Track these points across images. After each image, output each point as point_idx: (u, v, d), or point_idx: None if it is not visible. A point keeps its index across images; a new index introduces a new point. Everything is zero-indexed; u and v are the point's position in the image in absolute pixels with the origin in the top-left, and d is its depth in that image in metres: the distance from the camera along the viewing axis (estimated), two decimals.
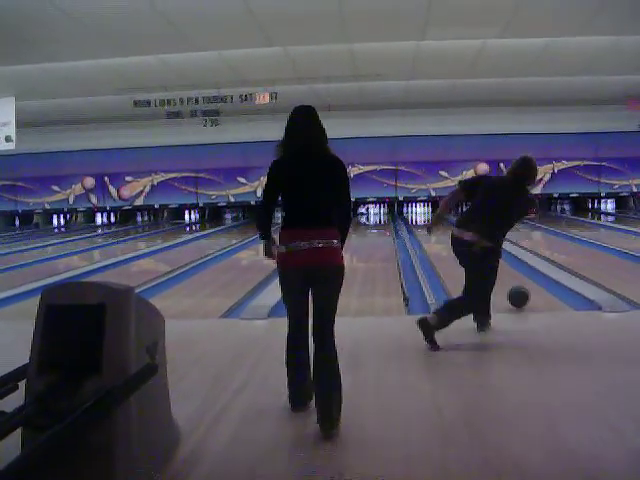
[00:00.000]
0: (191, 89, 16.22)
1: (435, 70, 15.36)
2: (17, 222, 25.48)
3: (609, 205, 24.20)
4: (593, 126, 21.33)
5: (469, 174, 22.80)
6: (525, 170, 6.06)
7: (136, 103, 16.54)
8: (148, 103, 16.52)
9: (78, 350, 2.98)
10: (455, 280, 9.86)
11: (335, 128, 19.64)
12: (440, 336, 5.78)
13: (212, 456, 3.56)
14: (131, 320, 3.07)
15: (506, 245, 12.46)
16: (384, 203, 24.16)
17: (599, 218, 22.37)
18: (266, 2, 10.26)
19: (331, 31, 11.76)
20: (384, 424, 4.00)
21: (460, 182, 6.48)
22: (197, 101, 16.87)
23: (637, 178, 22.72)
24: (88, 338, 2.98)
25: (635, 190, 22.96)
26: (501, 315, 6.88)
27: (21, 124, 16.66)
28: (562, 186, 22.91)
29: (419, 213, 24.17)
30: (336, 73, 15.19)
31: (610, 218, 22.10)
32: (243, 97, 16.59)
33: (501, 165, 22.55)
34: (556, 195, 22.82)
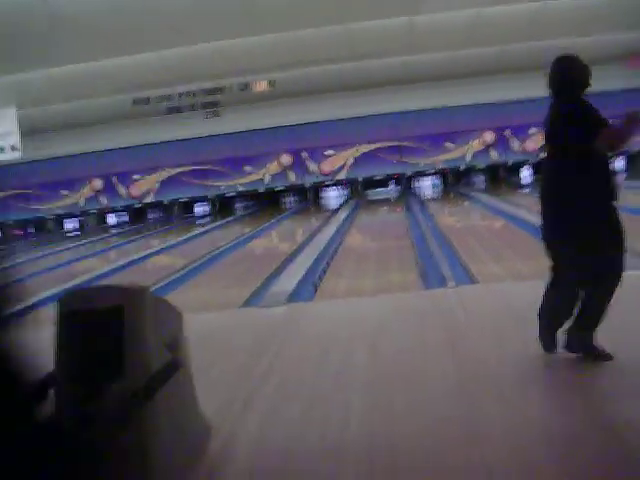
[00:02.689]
0: (189, 82, 16.21)
1: (432, 43, 15.27)
2: (31, 229, 25.57)
3: (619, 163, 24.01)
4: (597, 86, 21.11)
5: (475, 144, 22.73)
6: (561, 75, 4.41)
7: (135, 101, 16.55)
8: (147, 100, 16.53)
9: (100, 354, 3.00)
10: (469, 250, 9.93)
11: (336, 109, 19.53)
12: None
13: (244, 445, 3.59)
14: (149, 319, 3.09)
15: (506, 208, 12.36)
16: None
17: None
18: None
19: (325, 12, 11.70)
20: (411, 400, 4.00)
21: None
22: (195, 94, 16.86)
23: None
24: (108, 341, 3.00)
25: None
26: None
27: (24, 132, 16.71)
28: None
29: (426, 187, 24.09)
30: (332, 55, 15.13)
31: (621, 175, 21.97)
32: (241, 86, 16.58)
33: (506, 132, 22.47)
34: None
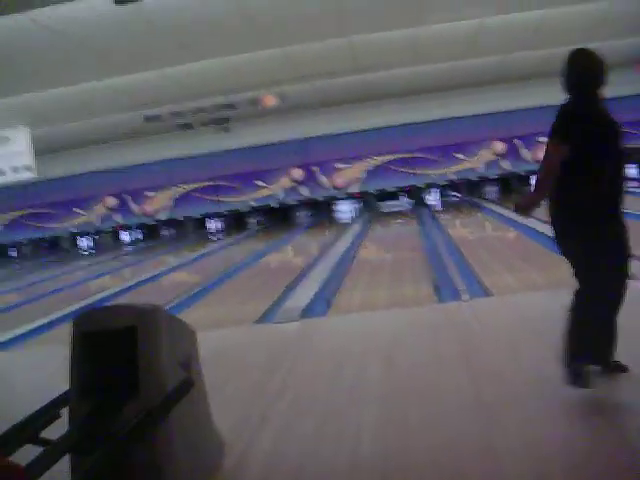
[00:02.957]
0: (199, 99, 16.29)
1: (437, 53, 15.29)
2: (46, 248, 25.70)
3: (632, 170, 23.85)
4: (605, 92, 20.96)
5: (485, 153, 22.68)
6: (570, 73, 4.00)
7: (146, 119, 16.65)
8: (158, 118, 16.63)
9: (115, 373, 3.03)
10: (482, 262, 9.91)
11: (347, 122, 19.52)
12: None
13: (258, 460, 3.60)
14: (162, 339, 3.11)
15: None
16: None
17: None
18: (262, 6, 10.28)
19: (329, 27, 11.76)
20: (426, 414, 4.00)
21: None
22: (206, 110, 16.94)
23: None
24: (123, 361, 3.03)
25: None
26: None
27: (38, 151, 16.83)
28: None
29: (434, 200, 24.05)
30: (338, 68, 15.18)
31: (634, 183, 21.82)
32: (251, 101, 16.66)
33: (515, 141, 22.42)
34: None
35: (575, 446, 3.36)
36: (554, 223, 3.98)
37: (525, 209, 3.94)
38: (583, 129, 3.82)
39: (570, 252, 3.93)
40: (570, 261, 3.95)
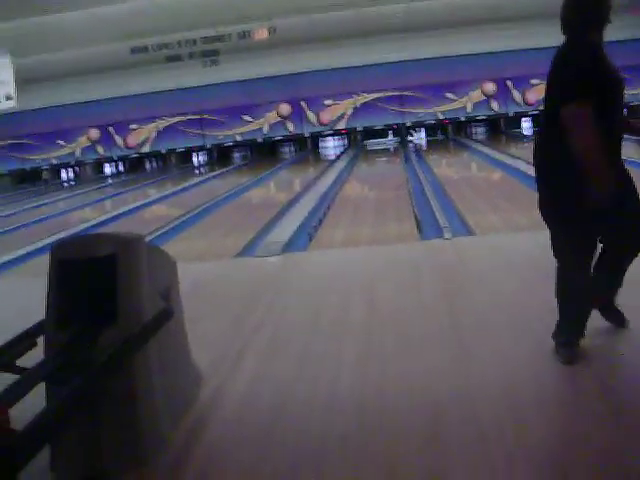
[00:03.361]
0: (188, 30, 15.98)
1: None
2: (26, 180, 25.40)
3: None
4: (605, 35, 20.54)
5: (475, 94, 22.48)
6: (573, 10, 3.35)
7: (133, 50, 16.35)
8: (145, 49, 16.33)
9: (93, 302, 2.99)
10: (466, 201, 9.89)
11: (337, 58, 19.29)
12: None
13: (234, 396, 3.59)
14: (143, 268, 3.07)
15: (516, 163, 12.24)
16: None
17: None
18: None
19: None
20: (403, 349, 4.01)
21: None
22: (195, 42, 16.65)
23: None
24: (102, 289, 2.99)
25: None
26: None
27: (20, 81, 16.52)
28: None
29: (420, 138, 23.90)
30: (332, 1, 14.90)
31: None
32: (241, 34, 16.37)
33: (508, 83, 22.22)
34: None
35: (553, 393, 3.37)
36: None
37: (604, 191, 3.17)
38: (602, 81, 3.22)
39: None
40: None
